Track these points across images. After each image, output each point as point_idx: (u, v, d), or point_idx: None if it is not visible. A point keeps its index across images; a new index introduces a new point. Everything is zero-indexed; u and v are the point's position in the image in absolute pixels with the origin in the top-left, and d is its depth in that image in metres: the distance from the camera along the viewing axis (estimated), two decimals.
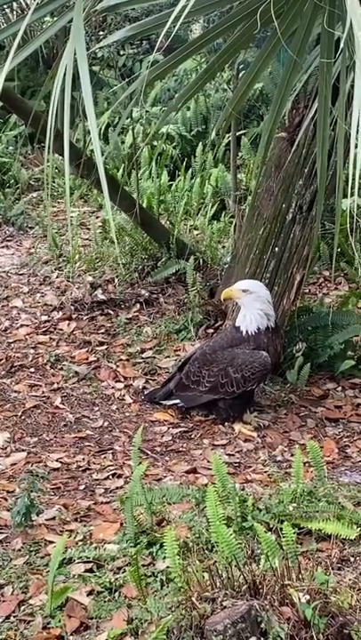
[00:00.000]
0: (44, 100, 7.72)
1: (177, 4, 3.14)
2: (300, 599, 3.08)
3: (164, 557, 3.51)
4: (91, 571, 3.70)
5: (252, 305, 5.38)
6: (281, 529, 3.56)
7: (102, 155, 3.67)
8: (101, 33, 8.82)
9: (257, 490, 4.44)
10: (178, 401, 5.58)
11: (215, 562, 3.43)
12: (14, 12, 8.91)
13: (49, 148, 3.68)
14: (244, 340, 5.40)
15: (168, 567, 3.42)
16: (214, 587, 3.20)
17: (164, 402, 5.64)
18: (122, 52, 12.04)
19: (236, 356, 5.36)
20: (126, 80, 10.08)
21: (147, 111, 10.29)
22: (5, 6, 8.00)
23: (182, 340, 6.44)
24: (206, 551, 3.68)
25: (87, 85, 3.40)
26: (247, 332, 5.39)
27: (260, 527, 3.52)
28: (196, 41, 4.30)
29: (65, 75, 3.51)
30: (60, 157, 7.78)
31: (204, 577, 3.26)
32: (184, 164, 9.57)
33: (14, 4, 8.38)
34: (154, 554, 3.77)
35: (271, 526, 3.84)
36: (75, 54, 3.50)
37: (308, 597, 3.09)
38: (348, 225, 4.79)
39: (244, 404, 5.46)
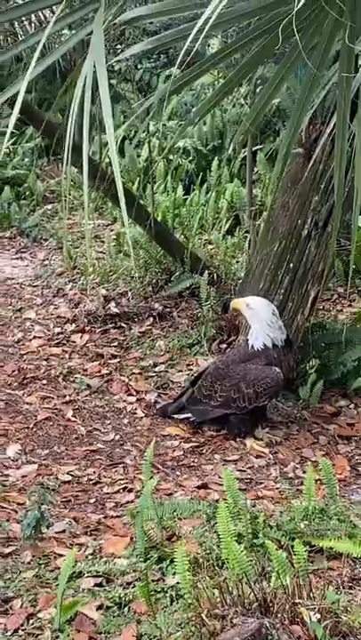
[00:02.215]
0: (60, 112, 7.76)
1: (197, 19, 3.14)
2: (310, 618, 3.06)
3: (174, 573, 3.48)
4: (100, 585, 3.67)
5: (252, 321, 5.41)
6: (292, 546, 3.53)
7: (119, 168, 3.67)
8: (119, 47, 8.85)
9: (268, 506, 4.42)
10: (189, 415, 5.56)
11: (226, 578, 3.41)
12: (32, 25, 8.95)
13: (66, 160, 3.68)
14: (255, 355, 5.39)
15: (178, 583, 3.39)
16: (224, 604, 3.18)
17: (175, 415, 5.63)
18: (139, 66, 12.07)
19: (248, 371, 5.34)
20: (144, 96, 10.12)
21: (163, 125, 10.30)
22: (24, 18, 8.03)
23: (195, 354, 6.42)
24: (217, 567, 3.64)
25: (106, 97, 3.40)
26: (253, 347, 5.38)
27: (272, 544, 3.50)
28: (214, 56, 4.30)
29: (84, 86, 3.52)
30: (76, 170, 7.81)
31: (215, 594, 3.24)
32: (199, 178, 9.57)
33: (32, 17, 8.41)
34: (164, 569, 3.74)
35: (282, 544, 3.81)
36: (94, 66, 3.50)
37: (318, 616, 3.07)
38: None
39: (255, 420, 5.44)
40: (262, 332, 5.35)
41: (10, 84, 4.13)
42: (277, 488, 4.77)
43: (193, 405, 5.53)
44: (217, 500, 4.29)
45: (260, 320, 5.35)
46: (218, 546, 3.70)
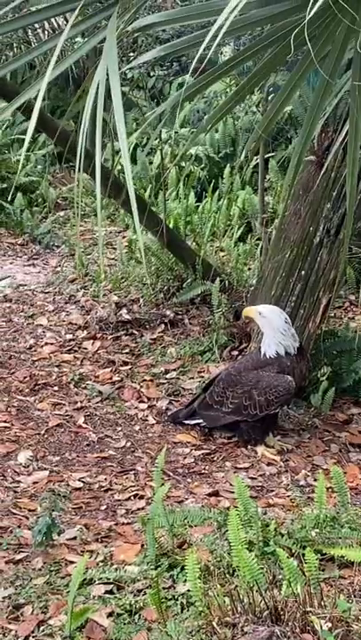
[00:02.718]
0: (72, 119, 7.78)
1: (209, 27, 3.14)
2: (321, 626, 3.05)
3: (185, 580, 3.48)
4: (111, 592, 3.68)
5: (265, 329, 5.40)
6: (303, 555, 3.53)
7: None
8: (132, 54, 8.86)
9: (279, 514, 4.41)
10: (201, 420, 5.56)
11: (236, 586, 3.41)
12: (45, 33, 8.97)
13: (78, 167, 3.69)
14: (268, 362, 5.38)
15: (189, 591, 3.39)
16: (235, 612, 3.18)
17: (187, 421, 5.62)
18: (152, 74, 12.09)
19: (260, 378, 5.33)
20: (156, 104, 10.13)
21: (175, 132, 10.31)
22: (37, 25, 8.06)
23: (207, 361, 6.42)
24: (227, 575, 3.65)
25: (119, 105, 3.40)
26: (265, 354, 5.38)
27: (283, 552, 3.49)
28: (226, 63, 4.30)
29: (97, 92, 3.52)
30: (88, 177, 7.83)
31: (225, 601, 3.24)
32: (211, 185, 9.58)
33: (46, 24, 8.44)
34: (175, 577, 3.74)
35: (293, 552, 3.81)
36: (107, 74, 3.51)
37: (329, 625, 3.06)
38: None
39: (267, 427, 5.43)
40: (275, 339, 5.34)
41: (23, 91, 4.14)
42: (289, 496, 4.76)
43: (204, 411, 5.53)
44: (228, 508, 4.29)
45: (273, 328, 5.34)
46: (229, 553, 3.70)
